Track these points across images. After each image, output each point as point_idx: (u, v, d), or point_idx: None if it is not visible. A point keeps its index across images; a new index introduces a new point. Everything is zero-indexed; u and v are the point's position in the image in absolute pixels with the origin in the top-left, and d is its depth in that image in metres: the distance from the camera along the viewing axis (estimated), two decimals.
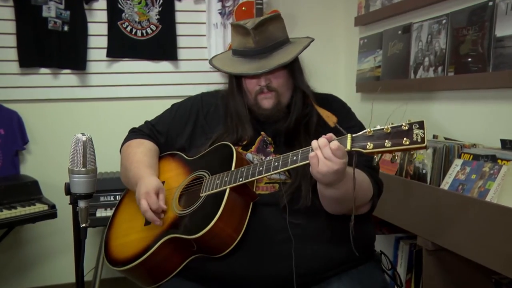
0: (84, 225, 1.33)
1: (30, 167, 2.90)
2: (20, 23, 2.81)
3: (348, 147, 1.20)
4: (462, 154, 1.90)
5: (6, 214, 2.40)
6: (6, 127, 2.81)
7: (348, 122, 1.51)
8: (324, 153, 1.21)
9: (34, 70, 2.87)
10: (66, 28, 2.86)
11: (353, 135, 1.21)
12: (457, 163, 1.88)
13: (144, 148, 1.63)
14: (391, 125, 1.16)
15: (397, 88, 2.54)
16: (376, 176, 1.48)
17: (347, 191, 1.28)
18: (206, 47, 3.05)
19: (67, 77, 2.92)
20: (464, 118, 2.18)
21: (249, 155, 1.51)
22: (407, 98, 2.51)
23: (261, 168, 1.34)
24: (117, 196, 2.51)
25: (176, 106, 1.71)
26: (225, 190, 1.37)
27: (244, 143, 1.52)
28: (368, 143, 1.17)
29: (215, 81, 2.94)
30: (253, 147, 1.52)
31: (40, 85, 2.88)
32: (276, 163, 1.31)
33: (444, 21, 2.21)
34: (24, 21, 2.81)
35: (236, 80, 1.53)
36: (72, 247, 2.82)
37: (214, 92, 1.69)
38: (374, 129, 1.18)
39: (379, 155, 1.22)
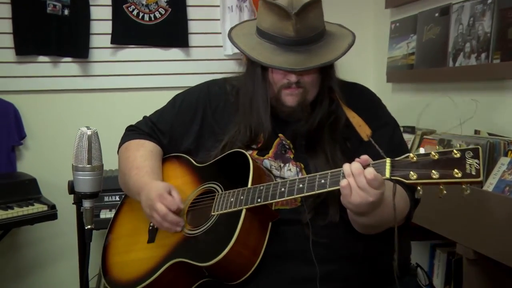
0: (89, 226, 1.34)
1: (27, 164, 2.93)
2: (16, 7, 2.83)
3: (387, 175, 1.16)
4: (510, 152, 1.88)
5: (2, 215, 2.43)
6: (1, 120, 2.84)
7: (379, 119, 1.47)
8: (358, 183, 1.17)
9: (31, 58, 2.89)
10: (66, 12, 2.88)
11: (393, 160, 1.16)
12: (503, 161, 1.86)
13: (144, 151, 1.59)
14: (439, 151, 1.11)
15: (433, 78, 2.52)
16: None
17: (382, 218, 1.26)
18: (220, 33, 3.05)
19: (68, 66, 2.94)
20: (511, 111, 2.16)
21: (266, 162, 1.47)
22: (444, 89, 2.49)
23: (283, 189, 1.30)
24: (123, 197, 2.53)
25: (180, 99, 1.65)
26: (240, 211, 1.33)
27: (259, 145, 1.48)
28: (411, 172, 1.13)
29: (231, 70, 2.92)
30: (270, 152, 1.48)
31: (39, 75, 2.90)
32: (301, 185, 1.27)
33: (489, 1, 2.18)
34: (20, 4, 2.83)
35: (262, 69, 1.45)
36: (73, 251, 2.87)
37: (223, 80, 1.63)
38: (418, 154, 1.13)
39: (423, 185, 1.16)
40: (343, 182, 1.18)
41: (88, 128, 1.33)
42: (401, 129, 1.59)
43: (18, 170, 2.90)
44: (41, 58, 2.91)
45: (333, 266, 1.37)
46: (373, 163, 1.19)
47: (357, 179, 1.17)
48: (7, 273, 2.96)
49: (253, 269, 1.32)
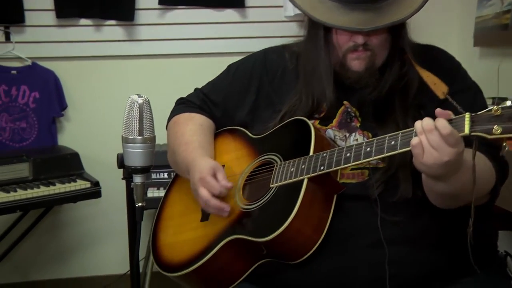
0: (140, 204, 1.38)
1: (69, 137, 3.03)
2: None
3: (466, 131, 1.13)
4: None
5: (44, 191, 2.53)
6: (42, 89, 2.94)
7: (459, 83, 1.44)
8: (430, 140, 1.16)
9: (73, 22, 2.96)
10: None
11: (473, 114, 1.14)
12: None
13: (194, 125, 1.62)
14: None
15: None
16: (498, 155, 1.38)
17: (463, 186, 1.23)
18: None
19: (112, 30, 2.99)
20: None
21: (330, 132, 1.48)
22: None
23: (348, 154, 1.29)
24: (172, 174, 2.58)
25: (234, 68, 1.67)
26: (302, 181, 1.34)
27: (322, 115, 1.49)
28: (495, 126, 1.10)
29: (292, 34, 2.89)
30: (334, 121, 1.48)
31: (80, 40, 2.97)
32: (369, 149, 1.26)
33: None
34: None
35: (324, 31, 1.46)
36: (118, 232, 2.97)
37: (281, 47, 1.63)
38: (504, 106, 1.10)
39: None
40: (414, 141, 1.17)
41: (139, 96, 1.35)
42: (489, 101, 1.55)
43: (59, 144, 2.99)
44: (83, 21, 2.97)
45: (404, 248, 1.36)
46: (450, 119, 1.17)
47: (429, 136, 1.16)
48: (48, 253, 3.09)
49: (315, 247, 1.33)
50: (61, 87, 2.98)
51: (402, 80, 1.44)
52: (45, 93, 2.94)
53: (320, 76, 1.46)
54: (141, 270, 2.84)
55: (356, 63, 1.42)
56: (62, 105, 2.99)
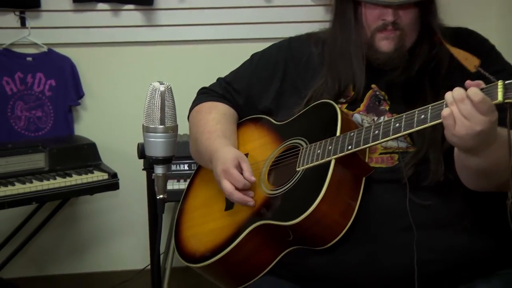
0: (161, 196, 1.39)
1: (86, 126, 3.05)
2: None
3: (499, 97, 1.14)
4: None
5: (60, 182, 2.56)
6: (58, 77, 2.96)
7: (492, 64, 1.44)
8: (461, 109, 1.16)
9: (90, 6, 2.97)
10: None
11: (507, 81, 1.15)
12: None
13: (217, 114, 1.64)
14: None
15: None
16: None
17: (497, 161, 1.23)
18: None
19: (131, 15, 3.00)
20: None
21: (357, 116, 1.49)
22: None
23: (376, 132, 1.31)
24: (193, 165, 2.59)
25: (257, 56, 1.70)
26: (329, 163, 1.36)
27: (349, 99, 1.50)
28: None
29: (319, 18, 2.89)
30: (362, 105, 1.49)
31: (98, 25, 2.98)
32: (398, 124, 1.27)
33: None
34: None
35: (353, 9, 1.48)
36: (136, 226, 2.99)
37: (306, 36, 1.66)
38: None
39: None
40: (445, 112, 1.18)
41: (161, 83, 1.36)
42: None
43: (75, 134, 3.02)
44: (100, 5, 2.97)
45: (434, 232, 1.37)
46: (482, 88, 1.17)
47: (460, 105, 1.16)
48: (65, 246, 3.12)
49: (343, 232, 1.34)
50: (78, 75, 3.00)
51: (432, 61, 1.47)
52: (62, 81, 2.97)
53: (349, 57, 1.49)
54: (160, 265, 2.86)
55: (385, 43, 1.44)
56: (79, 94, 3.00)
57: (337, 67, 1.51)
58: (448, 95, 1.19)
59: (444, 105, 1.20)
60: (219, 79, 1.75)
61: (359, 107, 1.50)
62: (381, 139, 1.30)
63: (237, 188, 1.46)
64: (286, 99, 1.60)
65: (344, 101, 1.51)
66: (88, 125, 3.06)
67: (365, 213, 1.37)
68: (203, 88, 1.76)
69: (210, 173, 1.58)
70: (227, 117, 1.65)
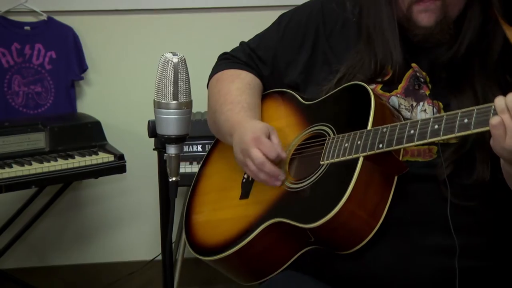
0: (174, 178, 1.39)
1: (89, 103, 3.07)
2: None
3: None
4: None
5: (61, 164, 2.59)
6: (59, 48, 2.98)
7: None
8: None
9: None
10: None
11: None
12: None
13: (240, 83, 1.63)
14: None
15: None
16: None
17: None
18: None
19: None
20: None
21: (394, 99, 1.46)
22: None
23: (412, 131, 1.28)
24: (207, 146, 2.60)
25: (286, 19, 1.67)
26: (357, 160, 1.34)
27: (386, 78, 1.47)
28: None
29: None
30: (400, 86, 1.47)
31: None
32: (436, 126, 1.24)
33: None
34: None
35: None
36: (145, 213, 3.00)
37: None
38: None
39: None
40: (494, 120, 1.14)
41: (173, 54, 1.35)
42: None
43: (78, 111, 3.04)
44: None
45: (478, 239, 1.36)
46: None
47: None
48: (66, 235, 3.16)
49: (371, 235, 1.33)
50: (81, 46, 3.01)
51: (484, 39, 1.42)
52: (63, 53, 2.98)
53: (383, 32, 1.45)
54: None
55: (424, 16, 1.40)
56: (82, 67, 3.01)
57: (373, 43, 1.47)
58: (500, 101, 1.15)
59: (492, 110, 1.16)
60: (242, 44, 1.73)
61: (397, 88, 1.47)
62: (416, 141, 1.27)
63: (268, 159, 1.43)
64: (315, 73, 1.58)
65: (380, 80, 1.48)
66: (92, 101, 3.07)
67: (397, 213, 1.35)
68: (225, 54, 1.75)
69: (228, 152, 1.58)
70: (251, 88, 1.64)
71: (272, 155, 1.43)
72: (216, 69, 1.71)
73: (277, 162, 1.45)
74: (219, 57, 1.76)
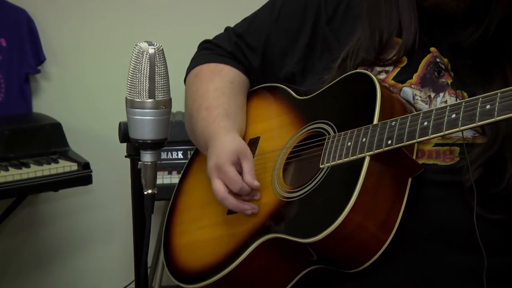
0: (150, 191, 1.39)
1: (48, 101, 3.07)
2: None
3: None
4: None
5: (13, 174, 2.58)
6: (10, 36, 2.98)
7: None
8: None
9: None
10: None
11: None
12: None
13: (221, 81, 1.63)
14: None
15: None
16: None
17: None
18: None
19: None
20: None
21: (407, 91, 1.46)
22: None
23: (425, 123, 1.28)
24: (188, 153, 2.61)
25: (280, 0, 1.67)
26: (362, 160, 1.35)
27: (399, 65, 1.47)
28: None
29: None
30: (415, 75, 1.47)
31: None
32: (454, 115, 1.24)
33: None
34: None
35: None
36: (115, 232, 2.99)
37: None
38: None
39: None
40: None
41: (149, 43, 1.36)
42: None
43: (34, 111, 3.04)
44: None
45: (509, 259, 1.37)
46: None
47: None
48: (20, 258, 3.14)
49: (381, 251, 1.34)
50: (37, 33, 3.01)
51: None
52: (15, 41, 2.98)
53: (397, 3, 1.45)
54: None
55: None
56: (38, 58, 3.02)
57: (378, 11, 1.48)
58: None
59: None
60: (227, 30, 1.72)
61: (411, 78, 1.47)
62: (431, 134, 1.27)
63: (231, 192, 1.46)
64: (315, 61, 1.59)
65: (390, 69, 1.49)
66: (51, 99, 3.08)
67: (413, 225, 1.36)
68: (206, 42, 1.74)
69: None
70: (234, 87, 1.64)
71: (235, 188, 1.45)
72: (195, 62, 1.71)
73: (246, 193, 1.47)
74: (199, 45, 1.75)
